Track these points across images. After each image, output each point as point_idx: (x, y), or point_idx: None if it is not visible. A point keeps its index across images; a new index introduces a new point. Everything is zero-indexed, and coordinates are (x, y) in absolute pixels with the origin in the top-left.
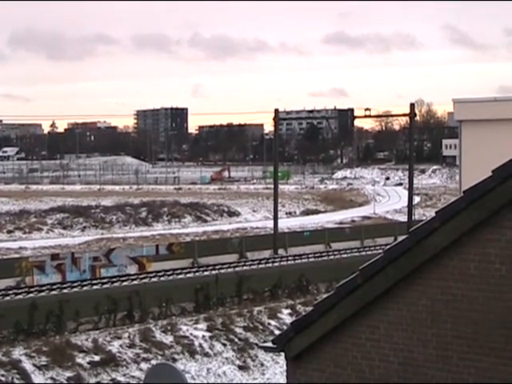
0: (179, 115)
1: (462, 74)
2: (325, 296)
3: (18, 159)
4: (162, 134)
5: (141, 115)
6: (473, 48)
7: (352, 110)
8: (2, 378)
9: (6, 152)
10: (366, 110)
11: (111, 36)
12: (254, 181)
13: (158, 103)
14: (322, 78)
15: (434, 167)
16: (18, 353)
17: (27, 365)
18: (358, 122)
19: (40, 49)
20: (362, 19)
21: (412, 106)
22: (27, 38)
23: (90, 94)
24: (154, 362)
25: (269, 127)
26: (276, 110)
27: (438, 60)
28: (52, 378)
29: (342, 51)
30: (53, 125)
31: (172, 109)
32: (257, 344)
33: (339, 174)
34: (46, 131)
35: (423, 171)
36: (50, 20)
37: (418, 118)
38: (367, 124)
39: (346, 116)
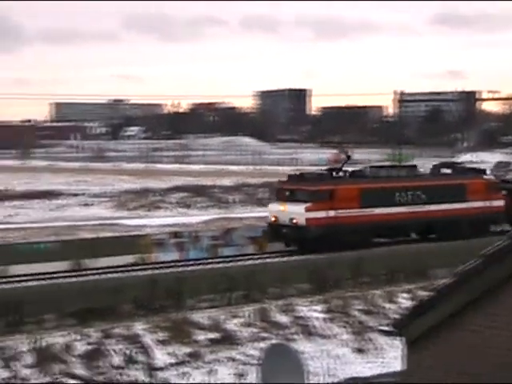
0: (298, 96)
1: None
2: (445, 281)
3: (140, 138)
4: (282, 115)
5: (260, 96)
6: None
7: (474, 93)
8: (126, 352)
9: (130, 131)
10: (491, 92)
11: (219, 18)
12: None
13: (275, 84)
14: (434, 59)
15: None
16: (138, 327)
17: (147, 339)
18: (481, 105)
19: (151, 31)
20: None
21: None
22: (139, 21)
23: (208, 74)
24: (270, 341)
25: (389, 109)
26: (401, 93)
27: None
28: (172, 353)
29: (450, 31)
30: (175, 105)
31: (291, 90)
32: (374, 327)
33: (461, 158)
34: (169, 111)
35: None
36: (160, 2)
37: None
38: (491, 106)
39: (469, 98)
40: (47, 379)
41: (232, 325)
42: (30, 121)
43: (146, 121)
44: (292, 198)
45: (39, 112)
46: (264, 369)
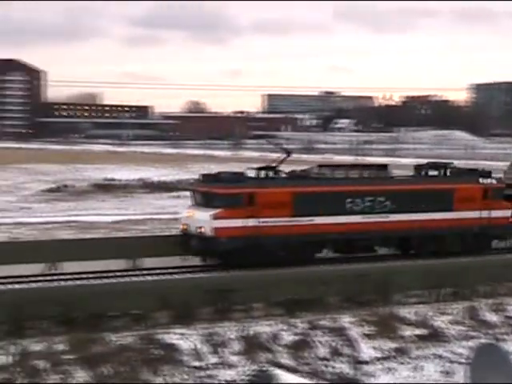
0: None
1: None
2: None
3: (351, 131)
4: (497, 109)
5: (475, 89)
6: None
7: None
8: (332, 344)
9: (340, 124)
10: None
11: (432, 9)
12: None
13: (489, 77)
14: None
15: None
16: (344, 320)
17: (353, 332)
18: None
19: (363, 22)
20: None
21: None
22: (351, 12)
23: (420, 66)
24: (479, 340)
25: None
26: None
27: None
28: (377, 348)
29: None
30: (386, 97)
31: (508, 83)
32: None
33: None
34: (380, 104)
35: None
36: None
37: None
38: None
39: None
40: (254, 367)
41: (439, 322)
42: (242, 112)
43: (356, 113)
44: (202, 203)
45: (251, 103)
46: (473, 368)
